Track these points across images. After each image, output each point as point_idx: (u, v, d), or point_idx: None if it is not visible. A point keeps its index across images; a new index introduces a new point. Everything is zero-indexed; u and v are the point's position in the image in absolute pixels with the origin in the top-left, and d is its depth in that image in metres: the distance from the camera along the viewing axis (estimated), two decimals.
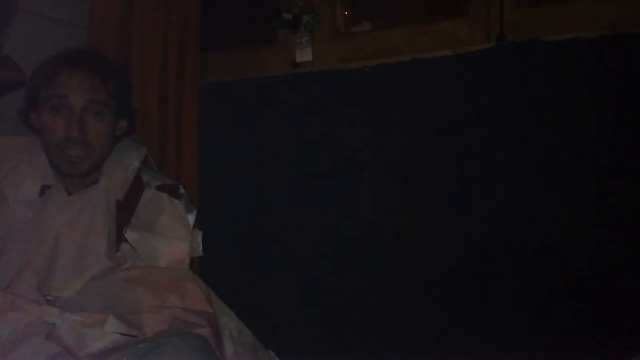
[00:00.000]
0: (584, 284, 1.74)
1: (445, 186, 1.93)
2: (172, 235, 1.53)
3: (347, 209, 2.05)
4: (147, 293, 1.39)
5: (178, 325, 1.32)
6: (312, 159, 2.12)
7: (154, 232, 1.52)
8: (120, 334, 1.27)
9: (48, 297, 1.39)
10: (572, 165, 1.79)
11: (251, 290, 2.11)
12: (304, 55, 2.16)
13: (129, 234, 1.50)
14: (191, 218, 1.59)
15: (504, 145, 1.86)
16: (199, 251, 1.64)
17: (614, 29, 1.75)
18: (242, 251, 2.18)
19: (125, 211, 1.52)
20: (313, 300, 2.08)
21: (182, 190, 1.61)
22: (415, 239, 1.96)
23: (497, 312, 1.83)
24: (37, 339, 1.26)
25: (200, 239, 1.63)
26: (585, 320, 1.74)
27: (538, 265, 1.80)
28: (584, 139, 1.78)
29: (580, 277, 1.75)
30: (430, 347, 1.89)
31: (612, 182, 1.74)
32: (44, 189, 1.49)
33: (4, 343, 1.23)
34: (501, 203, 1.85)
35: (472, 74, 1.92)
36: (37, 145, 1.53)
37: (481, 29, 1.92)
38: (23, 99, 1.55)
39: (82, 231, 1.46)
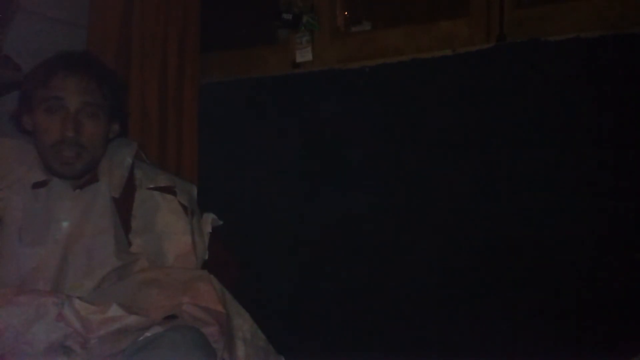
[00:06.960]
0: (584, 284, 1.75)
1: (445, 186, 1.93)
2: (173, 231, 1.55)
3: (347, 209, 2.05)
4: (161, 295, 1.38)
5: (185, 317, 1.32)
6: (312, 159, 2.12)
7: (155, 232, 1.54)
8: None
9: None
10: (571, 165, 1.79)
11: (250, 289, 2.11)
12: (304, 55, 2.15)
13: (133, 238, 1.52)
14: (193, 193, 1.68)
15: (504, 145, 1.86)
16: (218, 221, 1.70)
17: (614, 29, 1.75)
18: (242, 251, 2.18)
19: (123, 210, 1.53)
20: (312, 300, 2.08)
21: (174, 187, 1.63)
22: (415, 240, 1.96)
23: (497, 312, 1.83)
24: (48, 319, 1.25)
25: (211, 216, 1.69)
26: (585, 320, 1.74)
27: (537, 266, 1.80)
28: (584, 138, 1.78)
29: (580, 277, 1.75)
30: (432, 347, 1.89)
31: (612, 182, 1.74)
32: (37, 185, 1.50)
33: (16, 325, 1.23)
34: (501, 203, 1.85)
35: (472, 74, 1.92)
36: (31, 148, 1.54)
37: (481, 29, 1.92)
38: (17, 101, 1.56)
39: (89, 231, 1.47)
